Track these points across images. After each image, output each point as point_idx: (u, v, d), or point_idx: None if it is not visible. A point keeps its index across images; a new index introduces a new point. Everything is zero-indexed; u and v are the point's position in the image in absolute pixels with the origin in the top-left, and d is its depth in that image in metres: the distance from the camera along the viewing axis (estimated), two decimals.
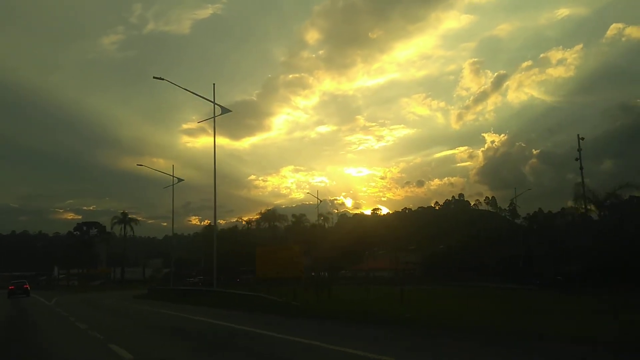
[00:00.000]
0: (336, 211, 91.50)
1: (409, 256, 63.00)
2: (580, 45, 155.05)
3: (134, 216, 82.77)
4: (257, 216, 79.81)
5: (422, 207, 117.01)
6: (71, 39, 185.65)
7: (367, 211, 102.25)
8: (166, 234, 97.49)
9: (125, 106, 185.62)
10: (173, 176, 41.53)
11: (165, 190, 43.77)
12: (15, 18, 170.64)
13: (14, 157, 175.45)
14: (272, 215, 77.58)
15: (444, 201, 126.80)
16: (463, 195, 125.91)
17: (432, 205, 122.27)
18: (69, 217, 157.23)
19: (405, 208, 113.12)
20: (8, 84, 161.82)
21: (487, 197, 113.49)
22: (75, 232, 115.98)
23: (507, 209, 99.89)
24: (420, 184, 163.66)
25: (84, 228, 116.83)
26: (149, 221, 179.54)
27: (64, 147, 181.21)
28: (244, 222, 79.87)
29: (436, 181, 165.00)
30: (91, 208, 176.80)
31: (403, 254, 62.85)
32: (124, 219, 78.42)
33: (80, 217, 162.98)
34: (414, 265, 61.96)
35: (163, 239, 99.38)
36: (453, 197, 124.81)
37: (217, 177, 31.32)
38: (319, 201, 70.31)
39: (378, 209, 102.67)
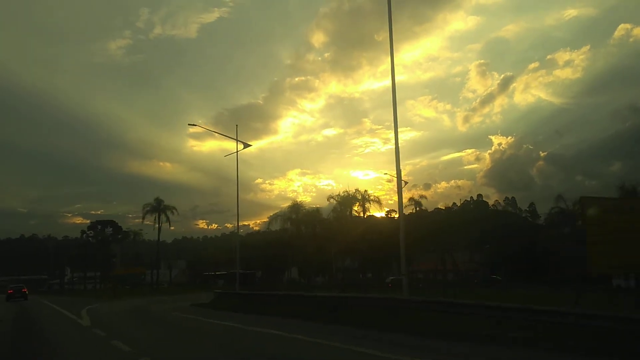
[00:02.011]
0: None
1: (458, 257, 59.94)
2: (588, 46, 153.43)
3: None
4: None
5: (438, 208, 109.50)
6: (78, 42, 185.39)
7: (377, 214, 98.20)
8: (175, 237, 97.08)
9: (132, 110, 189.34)
10: (237, 140, 31.86)
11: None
12: (22, 21, 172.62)
13: (21, 161, 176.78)
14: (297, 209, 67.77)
15: (461, 202, 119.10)
16: (482, 195, 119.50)
17: (450, 206, 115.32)
18: (77, 222, 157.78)
19: (420, 208, 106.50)
20: (15, 87, 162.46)
21: (506, 198, 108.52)
22: (88, 232, 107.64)
23: (527, 209, 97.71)
24: (427, 186, 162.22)
25: (99, 227, 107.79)
26: (156, 225, 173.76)
27: (71, 151, 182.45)
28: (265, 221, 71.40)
29: (443, 184, 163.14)
30: (99, 212, 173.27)
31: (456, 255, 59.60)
32: (158, 207, 65.61)
33: (88, 221, 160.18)
34: (477, 266, 58.59)
35: (172, 243, 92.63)
36: (471, 197, 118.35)
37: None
38: (404, 183, 61.01)
39: (392, 211, 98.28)
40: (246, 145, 32.65)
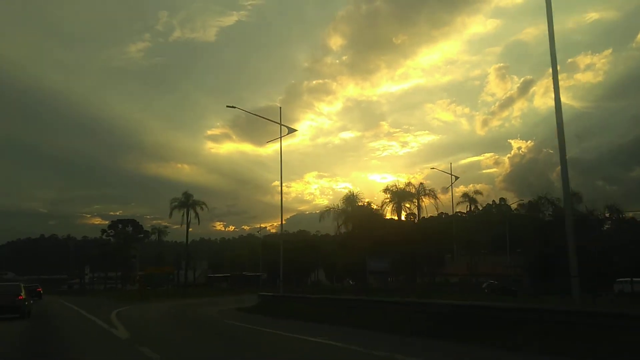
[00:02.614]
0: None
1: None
2: (610, 50, 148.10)
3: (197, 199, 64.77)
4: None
5: (460, 212, 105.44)
6: (98, 46, 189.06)
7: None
8: (193, 239, 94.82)
9: (150, 112, 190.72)
10: (281, 124, 27.52)
11: None
12: (41, 25, 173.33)
13: (41, 163, 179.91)
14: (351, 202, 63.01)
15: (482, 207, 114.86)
16: (505, 199, 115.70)
17: (471, 210, 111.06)
18: (96, 222, 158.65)
19: (442, 212, 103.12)
20: (34, 90, 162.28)
21: (530, 201, 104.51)
22: (109, 231, 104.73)
23: (551, 214, 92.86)
24: (445, 190, 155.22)
25: (119, 226, 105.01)
26: (174, 226, 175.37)
27: (90, 153, 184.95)
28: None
29: (461, 188, 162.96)
30: (117, 213, 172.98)
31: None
32: (187, 202, 60.43)
33: (107, 222, 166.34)
34: (518, 270, 54.20)
35: (190, 244, 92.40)
36: (493, 201, 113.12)
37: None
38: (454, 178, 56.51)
39: (413, 214, 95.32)
40: (291, 130, 28.99)
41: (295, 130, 29.70)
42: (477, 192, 68.31)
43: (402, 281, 67.64)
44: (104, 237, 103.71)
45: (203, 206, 61.40)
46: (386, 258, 66.99)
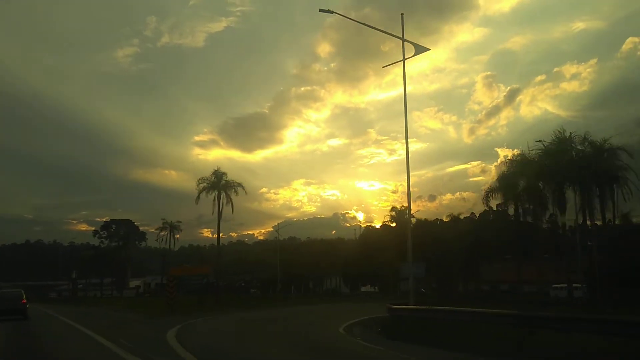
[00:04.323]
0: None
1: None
2: (595, 60, 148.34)
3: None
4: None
5: (466, 215, 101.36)
6: (86, 50, 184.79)
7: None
8: (181, 246, 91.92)
9: (138, 118, 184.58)
10: (403, 39, 19.50)
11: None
12: (29, 29, 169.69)
13: (26, 168, 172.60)
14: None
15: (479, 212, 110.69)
16: (503, 205, 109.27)
17: (469, 216, 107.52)
18: (82, 228, 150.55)
19: (438, 218, 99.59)
20: (21, 94, 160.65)
21: (528, 208, 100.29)
22: (101, 232, 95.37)
23: (547, 220, 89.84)
24: (432, 198, 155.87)
25: (113, 227, 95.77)
26: (162, 233, 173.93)
27: (77, 158, 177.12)
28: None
29: (448, 196, 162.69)
30: (104, 219, 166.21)
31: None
32: (218, 183, 48.18)
33: (93, 228, 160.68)
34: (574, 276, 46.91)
35: (179, 250, 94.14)
36: (490, 207, 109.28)
37: None
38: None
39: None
40: (419, 49, 21.52)
41: (427, 49, 22.15)
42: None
43: (438, 289, 60.41)
44: (96, 238, 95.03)
45: (238, 188, 48.75)
46: (420, 262, 59.58)
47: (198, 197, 47.66)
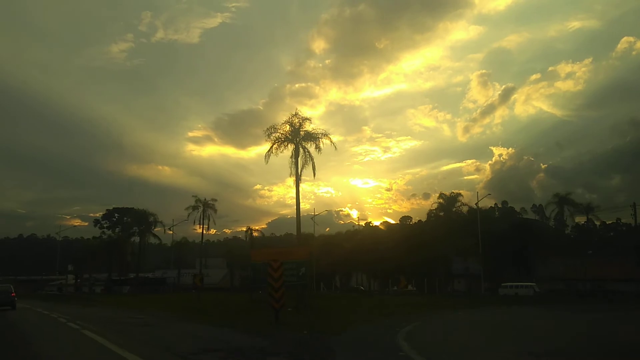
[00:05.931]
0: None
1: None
2: (590, 59, 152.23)
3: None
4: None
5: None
6: (78, 45, 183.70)
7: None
8: (175, 241, 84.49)
9: (131, 113, 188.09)
10: None
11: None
12: (21, 24, 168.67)
13: (19, 163, 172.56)
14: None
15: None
16: (507, 202, 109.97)
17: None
18: (75, 224, 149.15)
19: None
20: (13, 90, 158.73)
21: (534, 205, 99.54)
22: (103, 222, 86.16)
23: (554, 218, 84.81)
24: (426, 196, 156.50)
25: (116, 216, 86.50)
26: (156, 229, 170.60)
27: (70, 154, 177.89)
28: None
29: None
30: (97, 215, 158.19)
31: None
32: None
33: (86, 223, 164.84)
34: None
35: (174, 245, 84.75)
36: (496, 204, 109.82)
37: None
38: None
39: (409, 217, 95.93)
40: None
41: None
42: None
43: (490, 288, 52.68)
44: (96, 228, 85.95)
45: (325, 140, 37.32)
46: (477, 258, 53.76)
47: (269, 152, 35.89)
